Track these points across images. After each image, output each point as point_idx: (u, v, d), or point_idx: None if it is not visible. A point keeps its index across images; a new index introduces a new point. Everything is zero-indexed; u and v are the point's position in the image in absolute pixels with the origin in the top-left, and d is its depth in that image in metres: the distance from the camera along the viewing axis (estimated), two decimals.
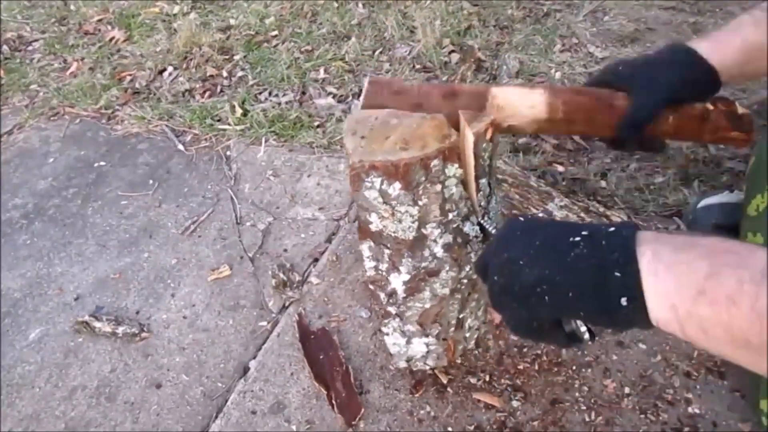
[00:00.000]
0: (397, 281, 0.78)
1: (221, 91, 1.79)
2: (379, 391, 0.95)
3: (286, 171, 1.46)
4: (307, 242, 1.26)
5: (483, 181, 0.73)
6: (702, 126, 0.74)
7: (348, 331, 1.06)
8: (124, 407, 0.98)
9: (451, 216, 0.73)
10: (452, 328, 0.89)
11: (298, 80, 1.78)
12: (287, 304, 1.12)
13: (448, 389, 0.94)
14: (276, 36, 2.03)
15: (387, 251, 0.75)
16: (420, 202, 0.70)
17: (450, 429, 0.89)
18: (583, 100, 0.73)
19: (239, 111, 1.66)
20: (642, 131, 0.71)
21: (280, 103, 1.70)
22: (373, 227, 0.73)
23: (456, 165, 0.70)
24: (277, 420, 0.93)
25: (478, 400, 0.92)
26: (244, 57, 1.92)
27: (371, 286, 0.83)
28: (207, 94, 1.77)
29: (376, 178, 0.67)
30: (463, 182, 0.72)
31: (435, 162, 0.68)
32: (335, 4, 2.13)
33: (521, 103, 0.73)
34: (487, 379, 0.95)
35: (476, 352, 1.00)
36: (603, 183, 1.30)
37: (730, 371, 0.93)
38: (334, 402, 0.92)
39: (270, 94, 1.75)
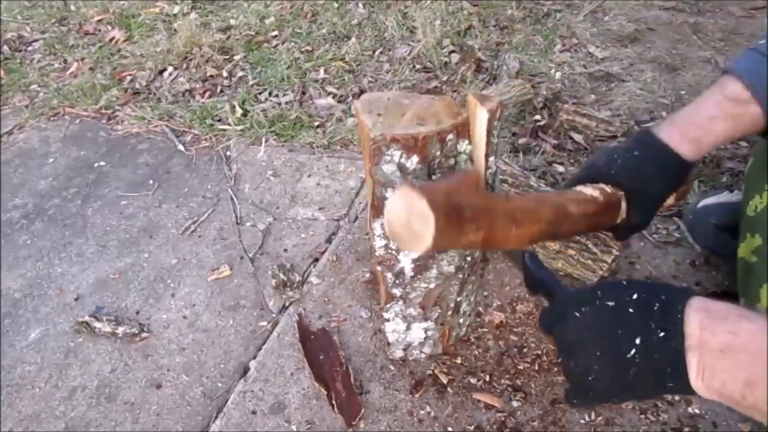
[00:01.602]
0: (407, 260, 0.80)
1: (221, 91, 1.79)
2: (379, 391, 0.95)
3: (286, 171, 1.46)
4: (307, 242, 1.26)
5: (492, 159, 0.75)
6: None
7: (348, 331, 1.06)
8: (124, 407, 0.98)
9: None
10: (449, 312, 0.90)
11: (298, 80, 1.78)
12: (287, 304, 1.12)
13: (448, 389, 0.94)
14: (276, 36, 2.03)
15: None
16: (434, 177, 0.73)
17: (450, 429, 0.89)
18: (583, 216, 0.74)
19: (239, 111, 1.66)
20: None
21: (280, 103, 1.70)
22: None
23: (467, 141, 0.73)
24: (277, 420, 0.93)
25: (478, 400, 0.92)
26: (244, 57, 1.92)
27: (379, 267, 0.83)
28: (207, 94, 1.77)
29: (396, 151, 0.70)
30: (471, 160, 0.74)
31: (450, 136, 0.71)
32: (335, 4, 2.13)
33: None
34: (487, 379, 0.95)
35: (476, 352, 1.00)
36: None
37: None
38: (334, 402, 0.92)
39: (270, 94, 1.75)
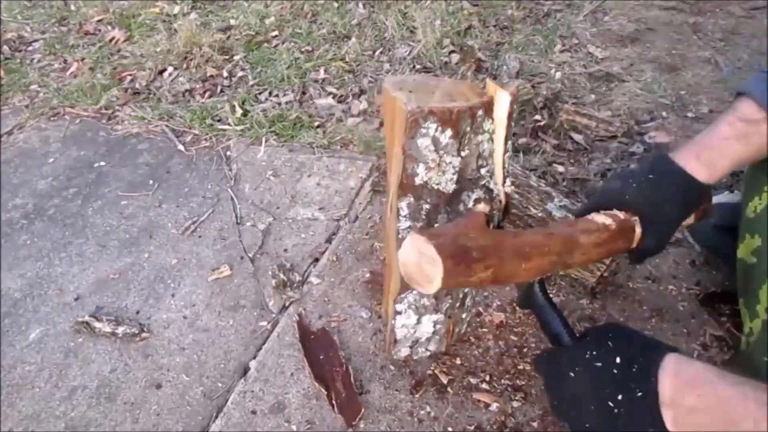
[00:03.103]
0: None
1: (221, 91, 1.79)
2: (379, 391, 0.95)
3: (286, 171, 1.46)
4: (307, 242, 1.26)
5: (509, 142, 0.78)
6: None
7: (348, 331, 1.06)
8: (124, 407, 0.98)
9: (482, 171, 0.78)
10: (458, 304, 0.90)
11: (299, 80, 1.78)
12: (287, 304, 1.12)
13: (448, 389, 0.94)
14: (276, 36, 2.03)
15: (426, 206, 0.78)
16: (462, 153, 0.75)
17: (450, 429, 0.89)
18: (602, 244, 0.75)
19: (239, 111, 1.66)
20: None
21: (280, 103, 1.70)
22: (417, 180, 0.76)
23: (491, 121, 0.75)
24: (277, 420, 0.93)
25: (478, 400, 0.92)
26: (245, 57, 1.92)
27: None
28: (207, 94, 1.77)
29: (432, 124, 0.72)
30: (492, 140, 0.77)
31: (480, 112, 0.73)
32: (335, 4, 2.13)
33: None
34: (487, 379, 0.95)
35: (476, 352, 1.00)
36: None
37: (730, 371, 0.93)
38: (334, 402, 0.92)
39: (270, 94, 1.75)
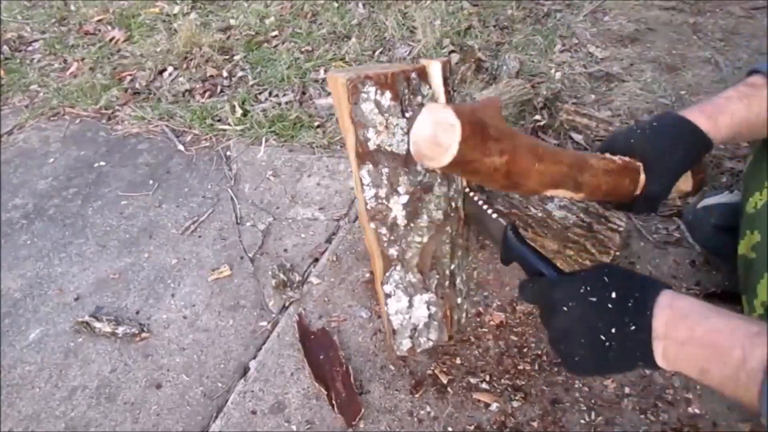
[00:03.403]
0: (397, 206, 0.85)
1: (221, 91, 1.79)
2: (379, 391, 0.95)
3: (286, 171, 1.46)
4: (307, 242, 1.26)
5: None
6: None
7: (348, 331, 1.06)
8: (124, 407, 0.98)
9: None
10: (447, 282, 0.90)
11: (298, 80, 1.78)
12: (287, 304, 1.12)
13: (448, 389, 0.94)
14: (276, 36, 2.03)
15: (385, 170, 0.83)
16: (407, 114, 0.82)
17: (450, 429, 0.89)
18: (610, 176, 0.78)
19: (239, 111, 1.66)
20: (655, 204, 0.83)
21: (280, 103, 1.70)
22: (371, 144, 0.82)
23: (428, 86, 0.83)
24: (277, 420, 0.93)
25: (478, 400, 0.92)
26: (244, 57, 1.92)
27: (372, 224, 0.86)
28: (207, 94, 1.77)
29: (370, 87, 0.79)
30: (435, 100, 0.84)
31: (413, 75, 0.82)
32: (335, 4, 2.13)
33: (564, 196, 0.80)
34: (487, 379, 0.95)
35: (476, 352, 1.00)
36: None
37: None
38: (334, 402, 0.92)
39: (270, 94, 1.75)
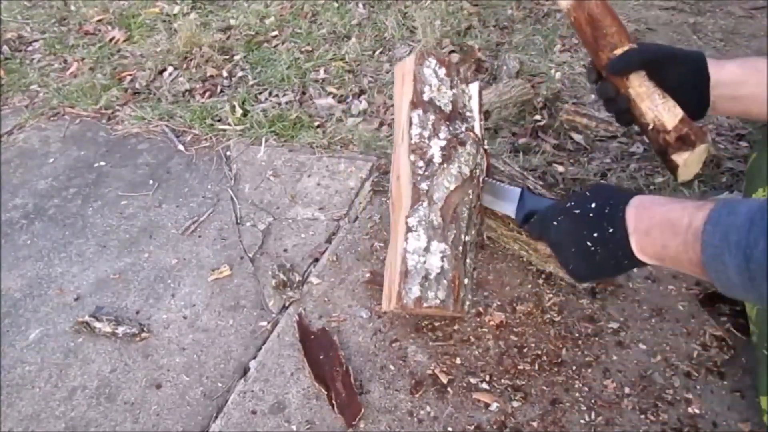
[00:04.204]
0: (436, 147, 0.96)
1: (221, 91, 1.79)
2: (379, 391, 0.95)
3: (286, 171, 1.46)
4: (307, 242, 1.26)
5: (481, 117, 1.07)
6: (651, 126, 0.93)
7: (348, 331, 1.06)
8: (124, 407, 0.98)
9: (467, 113, 1.04)
10: (460, 248, 0.92)
11: (298, 80, 1.78)
12: (287, 304, 1.12)
13: (448, 389, 0.94)
14: (276, 36, 2.03)
15: (432, 117, 0.98)
16: (453, 90, 1.03)
17: (450, 429, 0.89)
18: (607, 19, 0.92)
19: (239, 111, 1.66)
20: (623, 73, 0.89)
21: (280, 103, 1.70)
22: (425, 96, 1.00)
23: (474, 86, 1.07)
24: (277, 420, 0.93)
25: (478, 400, 0.92)
26: (244, 57, 1.92)
27: (412, 156, 0.95)
28: (207, 94, 1.77)
29: (432, 60, 1.03)
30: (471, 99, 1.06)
31: (462, 70, 1.06)
32: (335, 4, 2.13)
33: None
34: (487, 379, 0.95)
35: (476, 352, 1.00)
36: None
37: (730, 371, 0.93)
38: (334, 402, 0.93)
39: (270, 94, 1.75)
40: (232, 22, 2.11)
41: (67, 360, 1.07)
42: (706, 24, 1.94)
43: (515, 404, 0.92)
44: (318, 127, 1.59)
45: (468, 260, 0.94)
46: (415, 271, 0.89)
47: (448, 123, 0.99)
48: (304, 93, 1.74)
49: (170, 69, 1.90)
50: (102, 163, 1.56)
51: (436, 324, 1.04)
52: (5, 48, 2.09)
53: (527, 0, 2.10)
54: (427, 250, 0.90)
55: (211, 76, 1.85)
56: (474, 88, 1.05)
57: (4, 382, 1.04)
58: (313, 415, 0.93)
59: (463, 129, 1.00)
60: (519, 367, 0.97)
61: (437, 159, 0.96)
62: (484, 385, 0.95)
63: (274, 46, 1.97)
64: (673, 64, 0.87)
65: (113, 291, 1.19)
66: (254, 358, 1.04)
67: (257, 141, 1.56)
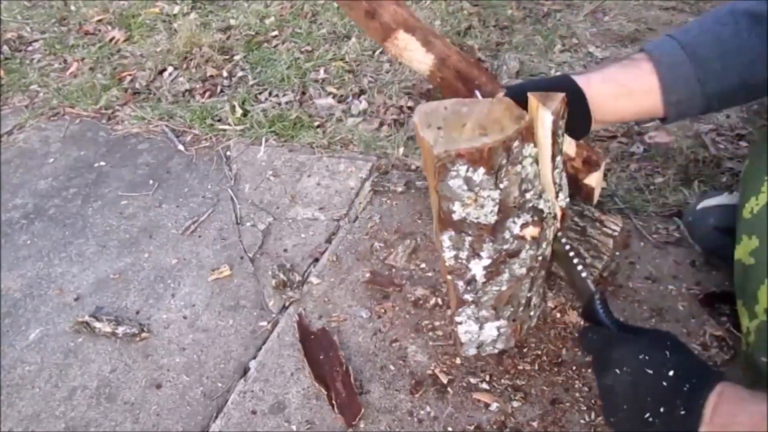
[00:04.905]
0: (478, 267, 0.80)
1: (221, 91, 1.79)
2: (379, 391, 0.95)
3: (286, 171, 1.46)
4: (307, 242, 1.26)
5: (558, 158, 0.75)
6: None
7: (348, 331, 1.06)
8: (124, 407, 0.98)
9: (527, 195, 0.76)
10: (521, 308, 0.89)
11: (298, 80, 1.78)
12: (287, 304, 1.12)
13: (448, 389, 0.94)
14: (276, 36, 2.03)
15: (468, 238, 0.77)
16: (501, 185, 0.72)
17: (450, 429, 0.89)
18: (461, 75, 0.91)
19: (239, 111, 1.66)
20: None
21: (280, 103, 1.70)
22: (455, 216, 0.75)
23: (532, 144, 0.72)
24: (277, 420, 0.93)
25: (478, 400, 0.92)
26: (244, 57, 1.92)
27: (449, 276, 0.82)
28: (207, 94, 1.77)
29: (461, 166, 0.69)
30: (536, 162, 0.75)
31: (515, 144, 0.70)
32: (335, 4, 2.13)
33: (414, 57, 0.98)
34: (487, 379, 0.95)
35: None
36: (603, 183, 1.30)
37: (730, 371, 0.93)
38: (334, 402, 0.93)
39: (270, 94, 1.75)
40: (232, 22, 2.11)
41: (67, 360, 1.07)
42: None
43: (515, 404, 0.92)
44: (318, 127, 1.59)
45: (533, 302, 0.93)
46: (470, 342, 0.93)
47: (492, 238, 0.77)
48: (304, 93, 1.74)
49: (170, 69, 1.90)
50: (102, 163, 1.56)
51: (436, 324, 1.04)
52: (5, 48, 2.09)
53: (527, 0, 2.10)
54: (481, 329, 0.91)
55: (211, 76, 1.85)
56: (545, 121, 0.69)
57: (4, 382, 1.04)
58: (313, 415, 0.93)
59: (518, 229, 0.78)
60: (519, 367, 0.97)
61: (480, 278, 0.82)
62: (484, 385, 0.94)
63: (274, 46, 1.98)
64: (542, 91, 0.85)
65: (113, 291, 1.19)
66: (254, 358, 1.04)
67: (257, 141, 1.56)
